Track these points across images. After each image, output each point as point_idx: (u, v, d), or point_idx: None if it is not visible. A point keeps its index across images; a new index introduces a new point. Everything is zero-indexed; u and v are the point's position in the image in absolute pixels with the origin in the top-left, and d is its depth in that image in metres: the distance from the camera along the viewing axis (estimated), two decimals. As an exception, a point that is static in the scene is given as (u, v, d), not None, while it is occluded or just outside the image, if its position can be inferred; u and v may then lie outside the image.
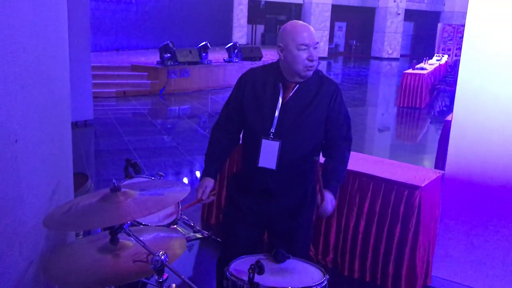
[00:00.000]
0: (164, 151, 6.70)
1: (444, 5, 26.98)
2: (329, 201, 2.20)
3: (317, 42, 2.12)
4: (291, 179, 2.25)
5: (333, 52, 26.12)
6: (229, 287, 2.03)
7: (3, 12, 1.47)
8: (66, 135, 2.27)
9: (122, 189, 1.62)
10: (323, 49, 23.68)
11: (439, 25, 20.89)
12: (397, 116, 10.68)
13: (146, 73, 11.56)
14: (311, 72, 2.15)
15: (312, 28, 2.14)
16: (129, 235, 1.62)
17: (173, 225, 2.49)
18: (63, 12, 2.24)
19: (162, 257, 1.57)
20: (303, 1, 24.10)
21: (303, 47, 2.08)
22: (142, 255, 1.70)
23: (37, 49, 1.84)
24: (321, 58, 22.40)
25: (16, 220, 1.63)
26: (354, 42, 27.86)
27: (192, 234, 2.49)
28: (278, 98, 2.17)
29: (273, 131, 2.17)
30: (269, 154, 2.19)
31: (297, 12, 24.34)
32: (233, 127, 2.33)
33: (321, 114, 2.19)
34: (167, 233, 1.96)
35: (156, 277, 1.63)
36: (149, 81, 11.40)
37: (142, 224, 2.30)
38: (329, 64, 22.60)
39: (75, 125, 7.66)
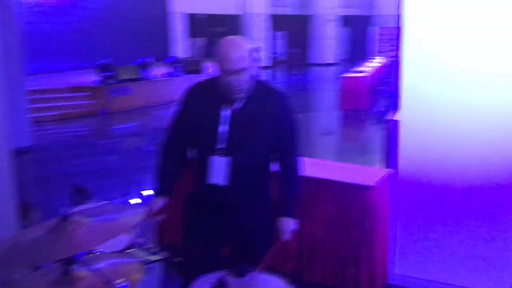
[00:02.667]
0: (110, 172, 6.49)
1: (375, 9, 28.01)
2: (286, 232, 2.24)
3: (242, 69, 2.03)
4: (245, 193, 2.22)
5: (275, 61, 26.42)
6: (193, 309, 1.98)
7: None
8: (3, 165, 2.14)
9: (72, 218, 1.53)
10: (265, 58, 23.90)
11: (374, 28, 21.65)
12: (340, 119, 10.92)
13: (88, 94, 11.24)
14: (242, 94, 2.10)
15: (240, 53, 2.02)
16: (83, 265, 1.54)
17: (129, 249, 2.40)
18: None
19: (123, 284, 1.50)
20: (242, 12, 24.29)
21: (226, 73, 2.04)
22: (99, 285, 1.62)
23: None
24: (263, 68, 22.61)
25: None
26: (295, 50, 28.32)
27: (150, 257, 2.40)
28: (225, 112, 2.14)
29: (222, 146, 2.13)
30: (219, 170, 2.15)
31: (236, 23, 24.50)
32: (182, 144, 2.28)
33: (269, 127, 2.16)
34: (122, 259, 1.88)
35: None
36: (90, 102, 11.08)
37: (94, 252, 2.19)
38: (272, 73, 22.84)
39: (14, 152, 7.28)
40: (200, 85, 2.27)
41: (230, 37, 2.11)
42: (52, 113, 10.30)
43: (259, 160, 2.20)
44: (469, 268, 3.17)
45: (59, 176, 6.23)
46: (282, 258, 3.57)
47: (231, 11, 24.02)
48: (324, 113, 12.36)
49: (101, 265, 1.77)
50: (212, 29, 21.72)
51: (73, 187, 2.43)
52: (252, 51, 2.12)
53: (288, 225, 2.26)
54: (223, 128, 2.13)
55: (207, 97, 2.19)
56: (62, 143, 8.29)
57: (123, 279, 1.49)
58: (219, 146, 2.13)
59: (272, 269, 3.53)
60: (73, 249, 1.42)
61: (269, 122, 2.16)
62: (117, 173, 6.42)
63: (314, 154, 7.26)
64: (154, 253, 2.46)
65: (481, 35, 2.91)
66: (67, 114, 10.50)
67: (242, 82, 2.05)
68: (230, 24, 24.19)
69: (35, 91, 10.32)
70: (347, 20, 27.57)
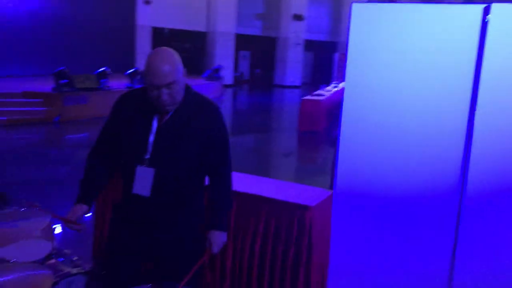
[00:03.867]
0: (56, 182, 6.28)
1: (340, 35, 28.71)
2: (215, 244, 2.21)
3: (170, 83, 1.98)
4: (169, 207, 2.16)
5: (238, 80, 26.58)
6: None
7: None
8: None
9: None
10: (228, 77, 24.01)
11: (336, 55, 22.17)
12: (298, 140, 11.03)
13: (40, 100, 10.92)
14: (169, 106, 2.05)
15: (167, 68, 1.96)
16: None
17: (49, 259, 2.28)
18: None
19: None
20: (207, 30, 24.39)
21: (153, 87, 1.99)
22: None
23: None
24: (226, 86, 22.69)
25: None
26: (258, 70, 28.60)
27: (72, 269, 2.29)
28: (153, 122, 2.09)
29: (147, 157, 2.07)
30: (143, 181, 2.09)
31: (202, 40, 24.56)
32: (109, 153, 2.22)
33: (199, 139, 2.12)
34: (32, 270, 1.78)
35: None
36: (43, 108, 10.76)
37: (5, 261, 2.07)
38: (234, 92, 22.94)
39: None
40: (131, 93, 2.23)
41: (159, 48, 2.05)
42: (1, 118, 9.92)
43: (185, 173, 2.14)
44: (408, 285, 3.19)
45: (1, 184, 5.96)
46: (220, 275, 3.51)
47: (197, 27, 24.09)
48: (283, 133, 12.45)
49: (7, 276, 1.68)
50: (177, 44, 21.67)
51: (-9, 192, 2.30)
52: (180, 62, 2.05)
53: (217, 237, 2.23)
54: (149, 138, 2.08)
55: (136, 106, 2.14)
56: (10, 150, 7.97)
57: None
58: (144, 156, 2.08)
59: (208, 286, 3.47)
60: None
61: (198, 134, 2.11)
62: (62, 183, 6.21)
63: (272, 174, 7.28)
64: (77, 265, 2.34)
65: (416, 58, 2.99)
66: (17, 119, 10.15)
67: (169, 96, 2.01)
68: (195, 40, 24.23)
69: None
70: (311, 45, 28.13)
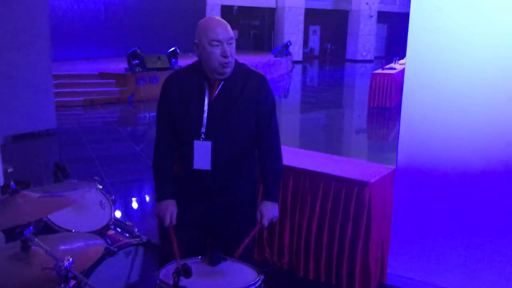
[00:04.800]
0: (127, 159, 6.56)
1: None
2: (265, 217, 2.19)
3: (231, 38, 2.05)
4: (228, 178, 2.20)
5: (308, 56, 26.23)
6: (159, 293, 1.95)
7: None
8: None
9: (23, 192, 1.52)
10: (297, 53, 23.75)
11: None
12: (367, 116, 10.71)
13: (114, 81, 11.40)
14: (229, 69, 2.09)
15: (226, 24, 2.07)
16: (30, 240, 1.52)
17: (107, 230, 2.39)
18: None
19: (66, 263, 1.48)
20: (276, 5, 24.16)
21: (216, 43, 2.03)
22: (51, 262, 1.60)
23: None
24: (295, 62, 22.48)
25: None
26: (329, 46, 28.03)
27: (130, 239, 2.38)
28: (204, 97, 2.11)
29: (203, 131, 2.11)
30: (202, 155, 2.13)
31: (271, 16, 24.40)
32: (170, 130, 2.23)
33: (249, 109, 2.13)
34: (87, 240, 1.86)
35: (63, 285, 1.53)
36: (117, 89, 11.24)
37: (66, 230, 2.20)
38: (304, 68, 22.68)
39: (37, 134, 7.47)
40: (178, 73, 2.27)
41: (209, 16, 2.10)
42: (78, 98, 10.51)
43: (239, 143, 2.17)
44: (469, 271, 3.03)
45: (75, 160, 6.34)
46: (278, 251, 3.51)
47: (266, 3, 23.93)
48: (353, 109, 12.15)
49: (66, 244, 1.77)
50: (246, 21, 21.70)
51: (54, 165, 2.43)
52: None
53: (268, 209, 2.21)
54: (202, 112, 2.11)
55: (186, 83, 2.17)
56: (85, 128, 8.44)
57: (68, 257, 1.45)
58: (200, 131, 2.11)
59: (266, 262, 3.49)
60: (14, 220, 1.43)
61: (248, 105, 2.13)
62: (133, 160, 6.49)
63: (341, 151, 7.14)
64: (135, 236, 2.43)
65: (484, 34, 2.81)
66: (93, 100, 10.68)
67: (228, 53, 2.03)
68: (264, 17, 24.12)
69: (62, 76, 10.57)
70: (384, 17, 27.05)
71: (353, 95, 15.16)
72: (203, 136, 2.11)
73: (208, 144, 2.11)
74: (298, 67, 22.07)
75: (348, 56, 26.61)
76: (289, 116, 10.50)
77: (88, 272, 2.15)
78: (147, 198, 4.93)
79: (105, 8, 16.53)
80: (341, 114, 11.28)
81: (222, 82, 2.11)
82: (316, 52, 28.28)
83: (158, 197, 2.22)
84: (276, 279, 3.38)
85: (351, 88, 16.65)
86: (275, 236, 3.50)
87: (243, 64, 2.20)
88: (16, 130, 7.13)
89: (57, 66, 11.00)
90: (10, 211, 1.45)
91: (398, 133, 3.21)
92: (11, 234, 1.72)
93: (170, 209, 2.18)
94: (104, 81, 11.46)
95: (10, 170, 4.68)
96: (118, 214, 4.17)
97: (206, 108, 2.11)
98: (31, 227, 1.53)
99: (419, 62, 3.04)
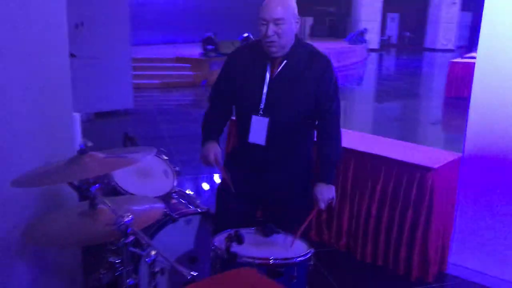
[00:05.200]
0: (197, 139, 6.76)
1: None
2: (322, 199, 2.20)
3: (278, 19, 2.03)
4: (281, 155, 2.25)
5: (385, 44, 25.41)
6: (213, 258, 2.05)
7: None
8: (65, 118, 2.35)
9: (89, 153, 1.67)
10: (374, 41, 23.09)
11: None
12: (444, 107, 10.27)
13: (189, 65, 11.76)
14: (274, 49, 2.10)
15: (277, 4, 2.04)
16: (96, 197, 1.67)
17: (170, 198, 2.52)
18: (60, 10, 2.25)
19: (127, 219, 1.61)
20: (353, -8, 23.60)
21: (262, 21, 2.06)
22: (114, 219, 1.75)
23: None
24: (372, 50, 21.89)
25: (4, 186, 1.72)
26: (408, 33, 26.98)
27: (190, 208, 2.51)
28: (266, 74, 2.16)
29: (262, 107, 2.17)
30: (258, 129, 2.20)
31: (347, 3, 23.88)
32: (224, 103, 2.35)
33: (309, 89, 2.15)
34: (149, 203, 1.99)
35: (123, 240, 1.66)
36: (191, 73, 11.59)
37: (130, 194, 2.36)
38: (380, 56, 22.04)
39: (115, 113, 7.94)
40: (242, 48, 2.34)
41: None
42: (155, 81, 10.96)
43: (297, 121, 2.20)
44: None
45: (147, 137, 6.67)
46: (335, 233, 3.52)
47: (343, -10, 23.44)
48: (430, 100, 11.67)
49: (130, 204, 1.92)
50: (320, 8, 21.41)
51: (123, 135, 2.61)
52: (294, 6, 2.11)
53: (323, 191, 2.22)
54: (263, 89, 2.16)
55: (249, 59, 2.23)
56: (159, 109, 8.81)
57: (129, 214, 1.58)
58: (259, 106, 2.17)
59: (324, 244, 3.51)
60: (80, 175, 1.60)
61: (309, 86, 2.15)
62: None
63: (418, 142, 6.93)
64: (196, 206, 2.55)
65: None
66: (168, 83, 11.10)
67: (276, 35, 2.05)
68: (340, 4, 23.67)
69: (141, 60, 11.06)
70: (470, 3, 25.56)
71: (430, 84, 14.55)
72: (261, 112, 2.17)
73: (265, 120, 2.16)
74: (374, 55, 21.48)
75: (427, 45, 25.48)
76: (362, 106, 10.33)
77: (150, 236, 2.29)
78: (213, 176, 5.11)
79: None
80: (417, 104, 10.87)
81: (285, 61, 2.15)
82: (394, 40, 27.34)
83: (203, 141, 2.32)
84: (333, 260, 3.41)
85: (428, 78, 15.99)
86: (333, 219, 3.52)
87: (309, 45, 2.23)
88: (97, 108, 7.65)
89: (136, 50, 11.52)
90: (78, 168, 1.60)
91: (467, 121, 3.10)
92: (82, 193, 1.88)
93: (214, 150, 2.25)
94: (179, 65, 11.86)
95: (89, 144, 5.02)
96: (183, 187, 4.37)
97: (266, 85, 2.16)
98: (97, 185, 1.67)
99: (491, 52, 2.97)
